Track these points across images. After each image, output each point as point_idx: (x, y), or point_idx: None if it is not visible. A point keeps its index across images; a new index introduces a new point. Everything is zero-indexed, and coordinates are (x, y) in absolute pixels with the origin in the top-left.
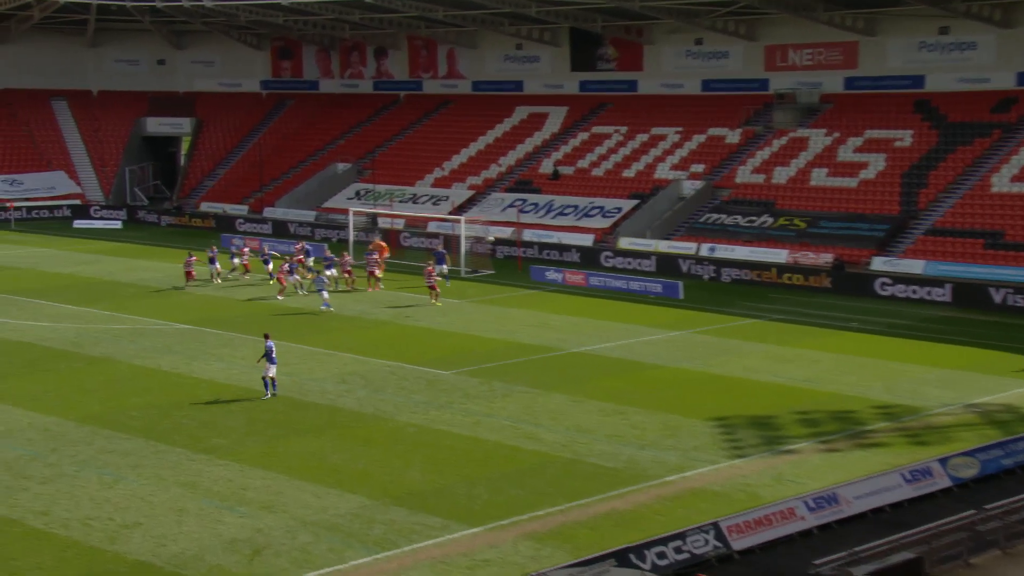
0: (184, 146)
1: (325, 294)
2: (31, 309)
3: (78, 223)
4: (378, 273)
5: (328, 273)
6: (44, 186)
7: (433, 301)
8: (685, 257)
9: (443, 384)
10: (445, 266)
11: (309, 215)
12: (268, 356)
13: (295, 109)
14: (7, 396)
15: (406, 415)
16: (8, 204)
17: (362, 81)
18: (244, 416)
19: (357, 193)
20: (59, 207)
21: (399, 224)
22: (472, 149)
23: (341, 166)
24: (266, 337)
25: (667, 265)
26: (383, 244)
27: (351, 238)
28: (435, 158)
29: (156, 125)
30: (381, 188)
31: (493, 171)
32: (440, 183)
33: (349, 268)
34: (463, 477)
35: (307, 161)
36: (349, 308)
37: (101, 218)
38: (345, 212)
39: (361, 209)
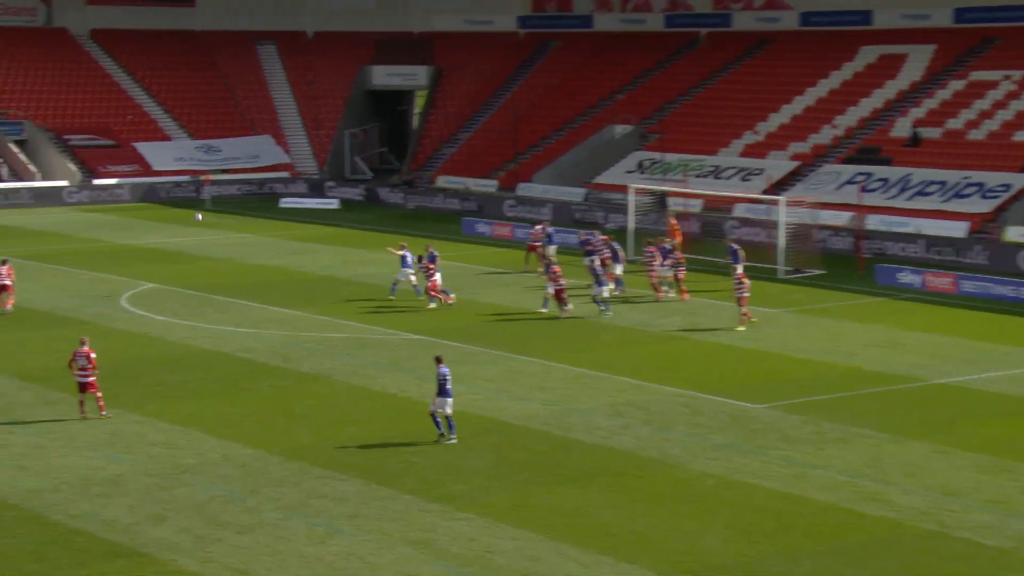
0: (418, 103)
1: (605, 292)
2: (230, 311)
3: (285, 201)
4: (680, 274)
5: (617, 271)
6: (246, 154)
7: (741, 324)
8: None
9: (753, 422)
10: (740, 265)
11: (576, 193)
12: (440, 388)
13: (561, 53)
14: (199, 420)
15: (702, 462)
16: (204, 177)
17: (650, 15)
18: (490, 455)
19: (639, 164)
20: (264, 181)
21: (694, 206)
22: (797, 105)
23: (619, 129)
24: (438, 361)
25: None
26: (676, 226)
27: (631, 224)
28: (746, 118)
29: (384, 76)
30: (671, 158)
31: (826, 135)
32: (752, 151)
33: (655, 271)
34: (780, 549)
35: (575, 122)
36: (625, 317)
37: (313, 195)
38: (623, 189)
39: (644, 186)
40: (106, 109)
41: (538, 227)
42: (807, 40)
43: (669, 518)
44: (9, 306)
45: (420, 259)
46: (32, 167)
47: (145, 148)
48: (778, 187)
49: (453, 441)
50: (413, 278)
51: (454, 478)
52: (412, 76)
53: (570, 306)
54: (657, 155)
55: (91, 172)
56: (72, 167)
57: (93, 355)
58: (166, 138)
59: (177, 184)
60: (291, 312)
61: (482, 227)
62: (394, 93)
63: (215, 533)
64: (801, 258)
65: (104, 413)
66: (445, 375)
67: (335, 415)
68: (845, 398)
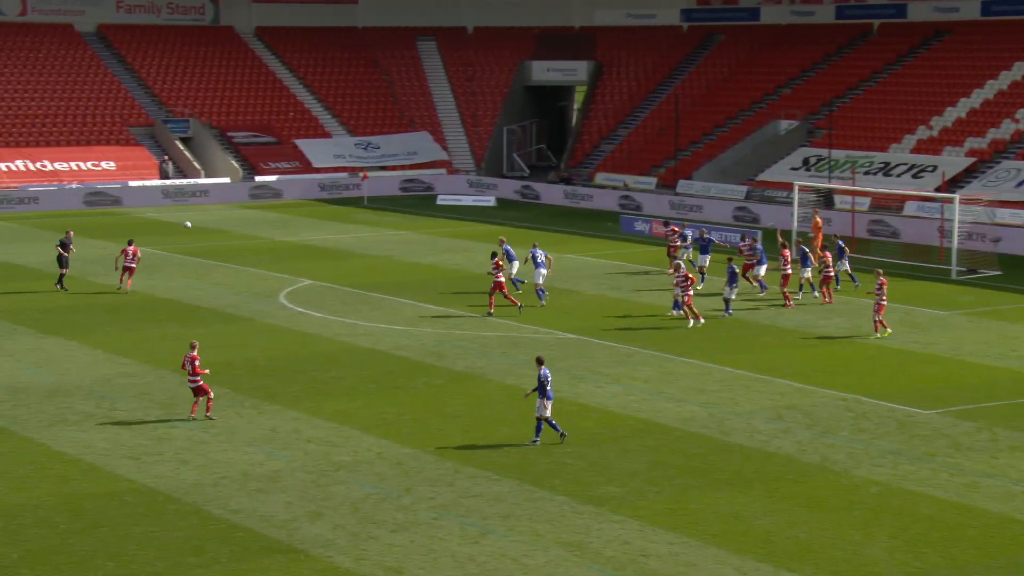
0: (578, 98)
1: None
2: (385, 309)
3: (443, 199)
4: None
5: (760, 272)
6: (404, 151)
7: (878, 333)
8: None
9: (920, 428)
10: (847, 262)
11: (737, 191)
12: (541, 389)
13: (726, 47)
14: (356, 418)
15: (866, 468)
16: (362, 174)
17: (820, 7)
18: (646, 458)
19: (805, 161)
20: (418, 180)
21: (863, 204)
22: (975, 99)
23: (785, 124)
24: (539, 363)
25: None
26: (820, 225)
27: (794, 223)
28: (919, 112)
29: (543, 71)
30: (839, 154)
31: (1006, 130)
32: (925, 147)
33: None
34: (950, 562)
35: (738, 118)
36: (787, 318)
37: (470, 193)
38: (788, 187)
39: (809, 183)
40: (269, 106)
41: (672, 226)
42: (988, 30)
43: (831, 526)
44: (129, 286)
45: (493, 255)
46: (196, 164)
47: (305, 145)
48: (952, 184)
49: (536, 443)
50: (544, 271)
51: (608, 480)
52: (572, 71)
53: (698, 321)
54: (824, 151)
55: (253, 169)
56: (235, 164)
57: (197, 360)
58: (326, 135)
59: (336, 181)
60: (445, 309)
61: (640, 225)
62: (553, 88)
63: (369, 531)
64: (975, 258)
65: (209, 415)
66: (546, 376)
67: (488, 414)
68: (1021, 405)
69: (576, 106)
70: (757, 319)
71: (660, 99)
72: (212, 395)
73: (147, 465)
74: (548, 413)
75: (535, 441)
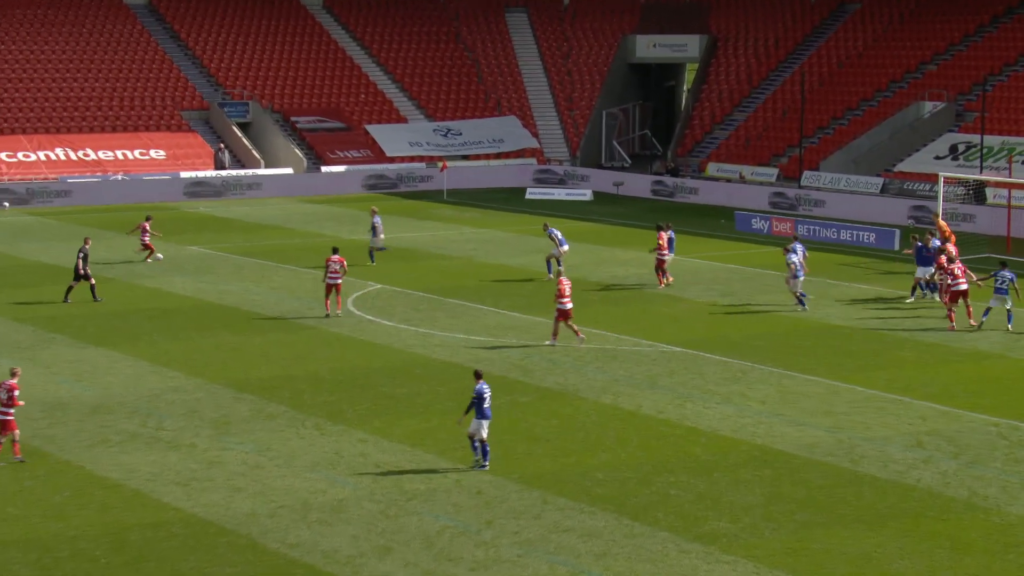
0: (688, 78)
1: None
2: (464, 317)
3: (532, 192)
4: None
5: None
6: (490, 137)
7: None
8: None
9: None
10: (932, 268)
11: (872, 183)
12: (477, 407)
13: (861, 19)
14: (430, 440)
15: (1021, 506)
16: (441, 164)
17: None
18: (762, 490)
19: (952, 149)
20: (503, 172)
21: (1021, 199)
22: None
23: (930, 106)
24: (477, 376)
25: None
26: (945, 225)
27: (939, 217)
28: None
29: (648, 47)
30: (993, 141)
31: None
32: None
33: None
34: None
35: (874, 100)
36: (929, 331)
37: (563, 186)
38: (932, 179)
39: (955, 175)
40: (337, 87)
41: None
42: None
43: (980, 571)
44: (159, 254)
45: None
46: (256, 153)
47: (378, 131)
48: None
49: (486, 467)
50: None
51: (719, 514)
52: (682, 47)
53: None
54: (975, 137)
55: (319, 158)
56: (299, 153)
57: (16, 390)
58: (401, 120)
59: (412, 172)
60: (532, 319)
61: (758, 223)
62: (660, 67)
63: (446, 569)
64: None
65: (18, 456)
66: (481, 393)
67: (582, 438)
68: None
69: (686, 87)
70: (895, 330)
71: (784, 78)
72: (19, 434)
73: (197, 492)
74: (485, 434)
75: (484, 465)
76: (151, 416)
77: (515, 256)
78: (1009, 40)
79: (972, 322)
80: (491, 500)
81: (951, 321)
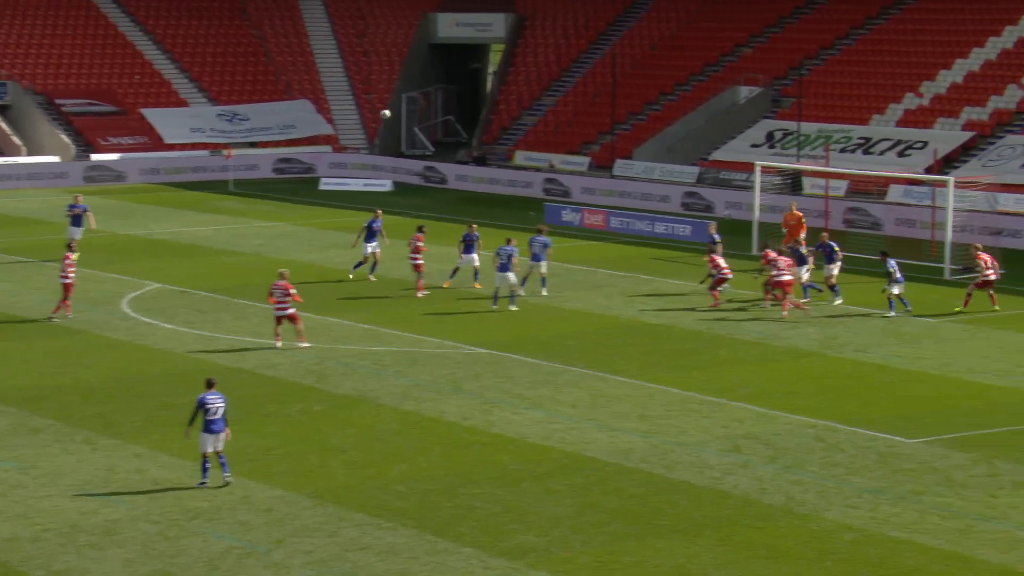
0: (494, 60)
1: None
2: (253, 318)
3: (327, 183)
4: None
5: (802, 273)
6: (279, 123)
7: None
8: None
9: (905, 461)
10: (836, 267)
11: (687, 172)
12: (202, 418)
13: None
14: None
15: (839, 511)
16: (226, 152)
17: None
18: (573, 500)
19: (769, 136)
20: (296, 160)
21: (838, 189)
22: (974, 60)
23: (746, 91)
24: (208, 385)
25: None
26: (799, 215)
27: (755, 212)
28: (907, 76)
29: (451, 26)
30: (810, 128)
31: (1011, 98)
32: (914, 119)
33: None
34: None
35: (688, 84)
36: (746, 329)
37: (361, 176)
38: (748, 168)
39: (772, 163)
40: (109, 67)
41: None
42: None
43: None
44: None
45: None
46: (16, 139)
47: (155, 116)
48: (946, 164)
49: (229, 480)
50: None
51: (526, 527)
52: (486, 26)
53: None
54: (792, 124)
55: (89, 145)
56: (65, 139)
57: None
58: (181, 103)
59: (194, 160)
60: (327, 319)
61: (569, 215)
62: (464, 48)
63: None
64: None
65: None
66: (203, 402)
67: (380, 448)
68: None
69: (492, 69)
70: (712, 329)
71: (594, 60)
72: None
73: None
74: (221, 447)
75: (203, 483)
76: None
77: (308, 252)
78: (826, 23)
79: (785, 312)
80: (282, 517)
81: (783, 310)
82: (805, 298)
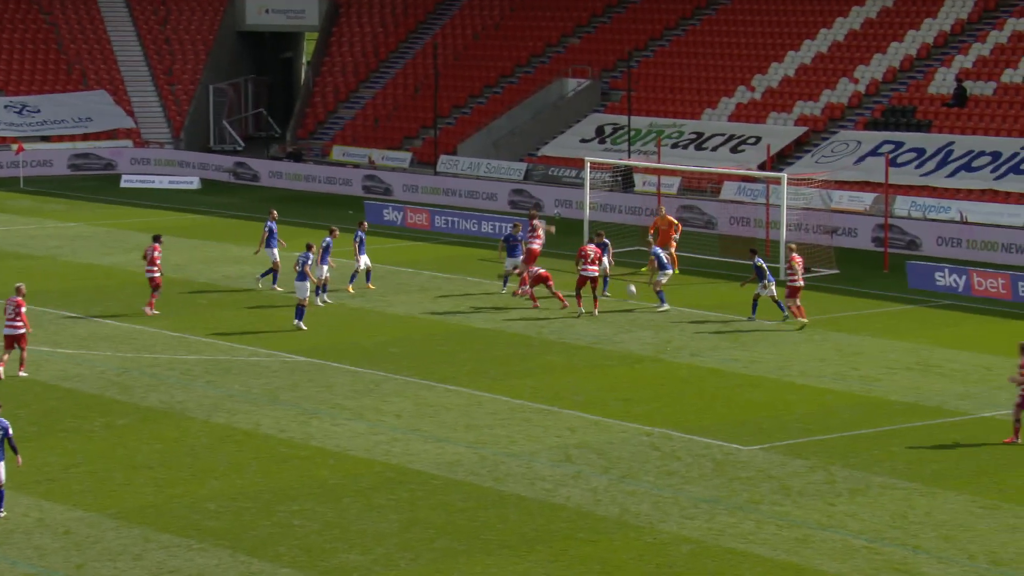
0: (308, 49)
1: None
2: (48, 327)
3: (128, 180)
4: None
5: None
6: (75, 116)
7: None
8: None
9: (742, 468)
10: (608, 261)
11: (515, 168)
12: None
13: None
14: (6, 474)
15: (676, 522)
16: (16, 146)
17: None
18: (398, 514)
19: (599, 131)
20: (94, 156)
21: (670, 186)
22: (806, 53)
23: (574, 84)
24: None
25: None
26: (672, 220)
27: (586, 211)
28: (739, 69)
29: (260, 12)
30: (640, 122)
31: (843, 92)
32: (746, 113)
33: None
34: None
35: (514, 75)
36: (578, 333)
37: (166, 173)
38: (578, 164)
39: (604, 160)
40: None
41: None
42: None
43: None
44: None
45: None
46: None
47: None
48: (780, 160)
49: (3, 515)
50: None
51: (348, 545)
52: (299, 13)
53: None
54: (622, 119)
55: None
56: None
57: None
58: None
59: None
60: (131, 327)
61: (391, 214)
62: (276, 36)
63: None
64: (809, 254)
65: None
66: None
67: (190, 464)
68: (863, 437)
69: (306, 59)
70: (541, 333)
71: (415, 50)
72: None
73: None
74: (2, 477)
75: None
76: None
77: (108, 255)
78: (654, 12)
79: (581, 307)
80: (82, 541)
81: (579, 305)
82: (605, 292)
